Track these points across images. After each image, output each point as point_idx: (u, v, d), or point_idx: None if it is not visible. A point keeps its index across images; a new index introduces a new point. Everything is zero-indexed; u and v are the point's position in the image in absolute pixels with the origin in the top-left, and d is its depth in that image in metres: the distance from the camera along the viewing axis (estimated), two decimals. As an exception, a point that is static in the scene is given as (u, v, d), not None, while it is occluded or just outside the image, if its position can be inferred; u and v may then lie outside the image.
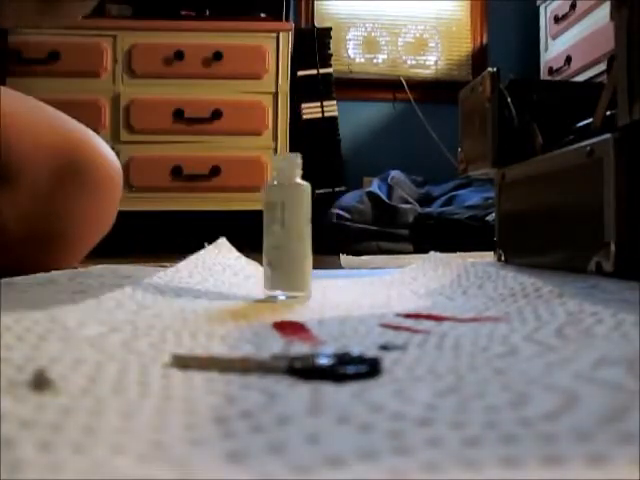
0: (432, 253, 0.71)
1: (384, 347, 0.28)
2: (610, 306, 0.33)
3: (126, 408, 0.18)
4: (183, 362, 0.24)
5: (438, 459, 0.15)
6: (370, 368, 0.23)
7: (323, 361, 0.24)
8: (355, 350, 0.26)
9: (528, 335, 0.29)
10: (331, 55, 2.26)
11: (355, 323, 0.34)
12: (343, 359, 0.24)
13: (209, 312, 0.36)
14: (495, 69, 0.81)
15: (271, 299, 0.46)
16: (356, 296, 0.49)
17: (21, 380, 0.20)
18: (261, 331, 0.32)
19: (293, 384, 0.22)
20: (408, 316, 0.36)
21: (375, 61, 2.63)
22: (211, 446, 0.16)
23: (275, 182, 0.47)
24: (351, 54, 2.61)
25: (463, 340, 0.29)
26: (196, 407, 0.19)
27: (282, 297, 0.47)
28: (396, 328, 0.32)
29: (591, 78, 1.89)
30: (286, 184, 0.47)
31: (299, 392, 0.21)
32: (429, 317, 0.35)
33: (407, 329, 0.32)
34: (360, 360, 0.24)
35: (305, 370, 0.23)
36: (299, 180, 0.47)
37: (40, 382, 0.20)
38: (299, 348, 0.28)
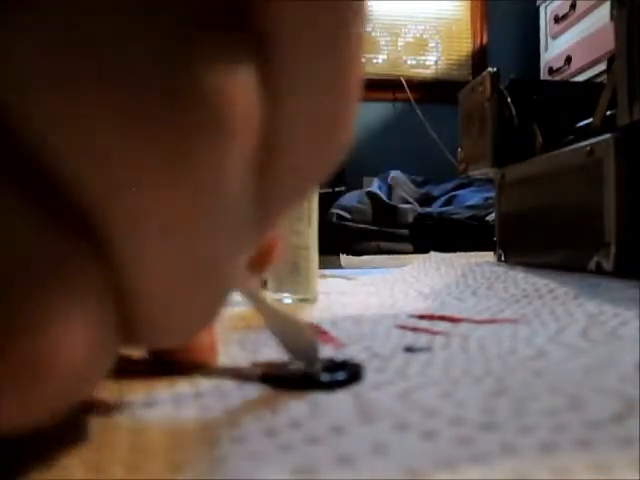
0: (432, 253, 0.71)
1: (409, 349, 0.28)
2: (625, 307, 0.33)
3: (168, 424, 0.18)
4: (159, 369, 0.23)
5: (520, 467, 0.14)
6: (350, 375, 0.22)
7: (301, 367, 0.23)
8: (340, 356, 0.25)
9: (552, 337, 0.29)
10: (331, 55, 2.26)
11: (370, 324, 0.34)
12: (326, 365, 0.23)
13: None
14: (495, 69, 0.81)
15: (277, 301, 0.45)
16: (361, 296, 0.49)
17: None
18: None
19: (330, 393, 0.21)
20: (422, 317, 0.36)
21: (375, 61, 2.63)
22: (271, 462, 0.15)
23: None
24: (351, 54, 2.61)
25: (486, 342, 0.29)
26: (241, 418, 0.18)
27: (288, 299, 0.47)
28: (414, 329, 0.32)
29: (591, 78, 1.89)
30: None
31: (342, 399, 0.20)
32: (443, 318, 0.35)
33: (425, 330, 0.32)
34: (343, 366, 0.23)
35: (279, 378, 0.22)
36: None
37: None
38: (322, 350, 0.27)
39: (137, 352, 0.25)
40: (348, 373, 0.23)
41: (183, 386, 0.22)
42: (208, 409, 0.19)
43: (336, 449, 0.15)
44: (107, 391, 0.21)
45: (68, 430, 0.17)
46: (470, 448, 0.15)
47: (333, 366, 0.23)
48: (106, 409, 0.19)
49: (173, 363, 0.23)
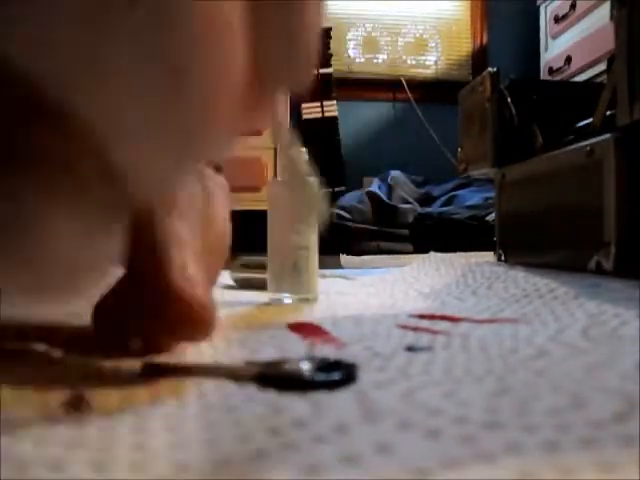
0: (432, 253, 0.71)
1: (411, 348, 0.28)
2: (625, 307, 0.33)
3: (170, 424, 0.18)
4: (154, 370, 0.23)
5: (525, 466, 0.14)
6: (345, 375, 0.22)
7: (296, 367, 0.23)
8: (332, 356, 0.25)
9: (553, 337, 0.29)
10: (331, 55, 2.26)
11: (371, 324, 0.34)
12: (319, 365, 0.23)
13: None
14: (495, 69, 0.81)
15: (277, 301, 0.45)
16: (361, 296, 0.49)
17: (55, 401, 0.20)
18: (278, 334, 0.31)
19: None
20: (422, 317, 0.36)
21: (375, 61, 2.63)
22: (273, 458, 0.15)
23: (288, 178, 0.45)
24: (351, 54, 2.61)
25: (487, 341, 0.29)
26: (243, 418, 0.19)
27: (288, 299, 0.46)
28: (415, 329, 0.32)
29: (591, 78, 1.89)
30: (306, 179, 0.45)
31: (345, 398, 0.20)
32: (444, 318, 0.35)
33: (426, 330, 0.32)
34: (337, 366, 0.23)
35: (275, 378, 0.22)
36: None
37: (76, 402, 0.19)
38: (323, 350, 0.27)
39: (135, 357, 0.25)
40: (343, 373, 0.23)
41: (186, 386, 0.22)
42: (211, 409, 0.20)
43: (341, 448, 0.15)
44: (108, 392, 0.21)
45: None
46: (474, 447, 0.15)
47: (327, 366, 0.23)
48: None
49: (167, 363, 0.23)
